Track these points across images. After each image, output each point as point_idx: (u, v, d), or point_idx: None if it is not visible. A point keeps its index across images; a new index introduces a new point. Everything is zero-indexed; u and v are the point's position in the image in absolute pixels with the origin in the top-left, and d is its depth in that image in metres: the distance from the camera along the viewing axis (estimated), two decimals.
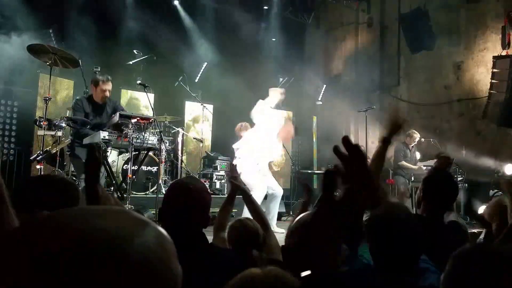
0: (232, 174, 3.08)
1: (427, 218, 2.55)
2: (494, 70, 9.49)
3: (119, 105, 6.07)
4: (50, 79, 5.67)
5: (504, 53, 9.80)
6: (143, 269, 0.57)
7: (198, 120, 10.05)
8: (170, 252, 0.63)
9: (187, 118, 10.60)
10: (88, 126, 5.59)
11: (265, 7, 12.17)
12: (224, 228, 2.89)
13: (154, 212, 5.81)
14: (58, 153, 6.03)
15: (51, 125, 5.55)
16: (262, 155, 6.83)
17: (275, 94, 6.98)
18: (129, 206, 5.47)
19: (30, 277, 0.53)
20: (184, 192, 2.21)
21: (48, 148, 5.71)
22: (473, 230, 3.92)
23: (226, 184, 9.14)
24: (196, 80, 10.30)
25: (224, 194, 8.75)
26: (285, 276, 0.93)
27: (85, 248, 0.55)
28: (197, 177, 8.74)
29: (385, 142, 2.75)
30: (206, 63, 10.52)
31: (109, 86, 5.74)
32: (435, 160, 3.22)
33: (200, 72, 10.54)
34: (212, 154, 9.84)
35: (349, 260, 2.07)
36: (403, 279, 1.82)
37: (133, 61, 9.14)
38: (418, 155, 9.59)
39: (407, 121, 2.97)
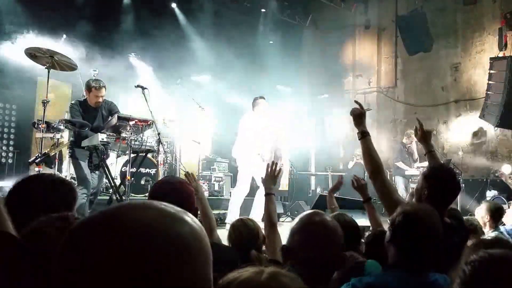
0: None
1: None
2: (491, 71, 9.52)
3: (115, 107, 6.05)
4: (48, 82, 5.67)
5: (501, 54, 9.83)
6: (182, 250, 0.69)
7: (197, 122, 10.05)
8: (203, 236, 0.74)
9: (186, 120, 10.57)
10: (87, 128, 5.59)
11: (263, 10, 12.19)
12: (212, 230, 2.88)
13: None
14: (56, 155, 6.03)
15: (50, 128, 5.53)
16: (251, 148, 6.91)
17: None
18: None
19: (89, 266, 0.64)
20: (168, 185, 2.30)
21: (46, 151, 5.71)
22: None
23: (224, 186, 9.15)
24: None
25: (222, 196, 8.78)
26: (282, 274, 0.92)
27: (133, 238, 0.66)
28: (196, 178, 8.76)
29: (360, 137, 2.86)
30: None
31: (101, 93, 5.68)
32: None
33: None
34: (210, 156, 9.85)
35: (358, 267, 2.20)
36: (423, 277, 1.91)
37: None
38: (415, 156, 9.62)
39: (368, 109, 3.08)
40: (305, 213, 1.88)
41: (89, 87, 5.67)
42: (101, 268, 0.63)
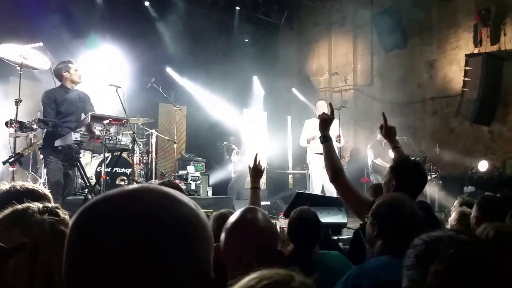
0: None
1: None
2: (467, 68, 9.62)
3: (88, 98, 5.92)
4: (20, 81, 5.44)
5: (476, 51, 9.94)
6: (193, 219, 0.75)
7: (172, 121, 9.93)
8: (203, 217, 0.79)
9: (161, 119, 10.47)
10: (60, 128, 5.42)
11: (237, 8, 12.07)
12: None
13: None
14: (30, 155, 5.84)
15: (23, 127, 5.35)
16: None
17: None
18: None
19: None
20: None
21: (20, 151, 5.51)
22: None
23: (201, 185, 9.09)
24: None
25: (199, 195, 8.73)
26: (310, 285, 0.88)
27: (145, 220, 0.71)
28: (172, 178, 8.64)
29: (323, 141, 2.92)
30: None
31: (78, 67, 5.72)
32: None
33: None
34: (186, 156, 9.77)
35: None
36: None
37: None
38: (391, 153, 9.63)
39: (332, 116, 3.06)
40: (238, 210, 1.79)
41: (66, 66, 5.60)
42: (119, 254, 0.67)
